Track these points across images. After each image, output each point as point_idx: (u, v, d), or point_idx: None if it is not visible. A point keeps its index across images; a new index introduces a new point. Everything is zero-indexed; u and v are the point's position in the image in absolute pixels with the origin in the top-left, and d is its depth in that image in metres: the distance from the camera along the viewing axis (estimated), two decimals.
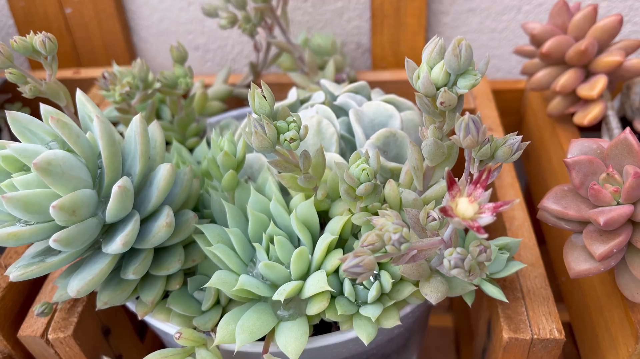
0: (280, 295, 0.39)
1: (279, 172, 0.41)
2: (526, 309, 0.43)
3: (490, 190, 0.31)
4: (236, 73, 0.78)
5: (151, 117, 0.56)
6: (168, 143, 0.58)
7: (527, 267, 0.47)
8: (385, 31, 0.73)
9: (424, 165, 0.41)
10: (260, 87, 0.37)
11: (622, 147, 0.37)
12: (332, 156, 0.45)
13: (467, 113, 0.32)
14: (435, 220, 0.35)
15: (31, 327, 0.46)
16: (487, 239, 0.44)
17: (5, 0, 0.77)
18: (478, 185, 0.31)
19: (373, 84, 0.68)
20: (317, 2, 0.74)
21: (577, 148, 0.40)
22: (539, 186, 0.67)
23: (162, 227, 0.39)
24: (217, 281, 0.40)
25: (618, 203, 0.37)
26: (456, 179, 0.32)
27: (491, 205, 0.30)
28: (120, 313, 0.54)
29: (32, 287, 0.52)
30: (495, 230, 0.53)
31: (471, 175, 0.36)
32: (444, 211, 0.30)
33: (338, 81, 0.67)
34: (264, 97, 0.36)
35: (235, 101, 0.70)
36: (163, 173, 0.40)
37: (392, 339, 0.47)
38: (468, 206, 0.30)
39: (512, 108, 0.74)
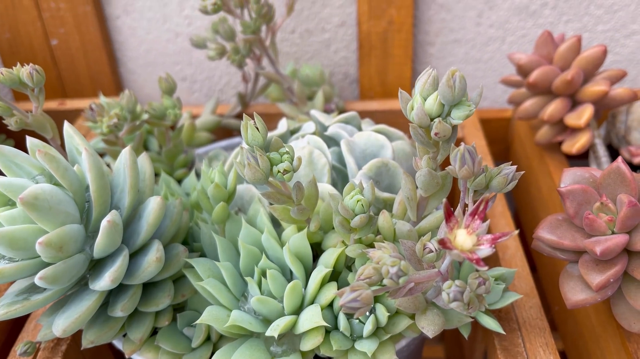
0: (273, 330, 0.38)
1: (271, 204, 0.40)
2: (523, 341, 0.43)
3: (488, 221, 0.30)
4: (224, 104, 0.78)
5: (139, 149, 0.55)
6: (156, 174, 0.58)
7: (522, 297, 0.46)
8: (372, 62, 0.74)
9: (418, 196, 0.40)
10: (252, 118, 0.37)
11: (615, 176, 0.37)
12: (324, 187, 0.45)
13: (463, 144, 0.32)
14: (432, 251, 0.35)
15: None
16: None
17: None
18: (476, 216, 0.31)
19: (361, 114, 0.68)
20: (305, 33, 0.75)
21: (570, 178, 0.40)
22: (528, 214, 0.67)
23: (151, 262, 0.38)
24: (209, 317, 0.38)
25: (613, 232, 0.37)
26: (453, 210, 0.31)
27: (489, 236, 0.30)
28: (105, 351, 0.52)
29: (14, 326, 0.50)
30: (488, 259, 0.53)
31: (466, 205, 0.36)
32: (442, 243, 0.30)
33: (327, 111, 0.67)
34: (257, 128, 0.36)
35: (223, 132, 0.70)
36: (153, 206, 0.39)
37: None
38: (466, 238, 0.30)
39: (498, 136, 0.75)
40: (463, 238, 0.30)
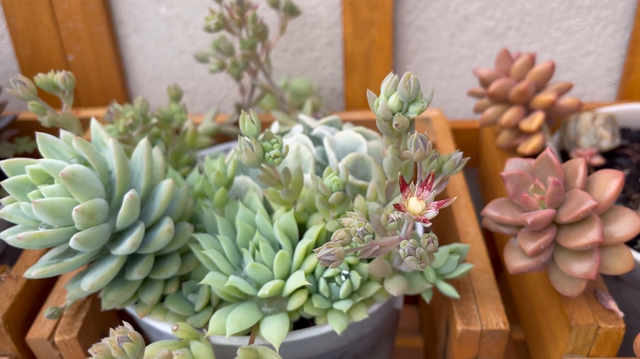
0: (264, 290, 0.45)
1: (264, 187, 0.48)
2: (477, 306, 0.51)
3: (434, 191, 0.38)
4: (223, 114, 0.86)
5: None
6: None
7: (478, 271, 0.54)
8: (356, 77, 0.83)
9: (386, 181, 0.48)
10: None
11: (545, 163, 0.45)
12: (309, 177, 0.53)
13: (416, 132, 0.40)
14: (394, 221, 0.43)
15: (39, 331, 0.51)
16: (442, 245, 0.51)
17: (11, 48, 0.85)
18: (425, 187, 0.39)
19: (345, 121, 0.76)
20: (296, 51, 0.84)
21: (512, 165, 0.48)
22: None
23: (163, 232, 0.45)
24: (210, 279, 0.46)
25: (544, 208, 0.45)
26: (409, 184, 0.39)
27: (435, 202, 0.38)
28: (116, 321, 0.59)
29: (38, 298, 0.57)
30: (449, 238, 0.61)
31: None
32: (397, 207, 0.37)
33: (315, 117, 0.75)
34: (252, 121, 0.44)
35: (222, 137, 0.78)
36: (165, 187, 0.47)
37: (363, 339, 0.54)
38: (417, 203, 0.38)
39: (470, 145, 0.83)
40: (414, 203, 0.38)
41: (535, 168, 0.46)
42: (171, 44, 0.84)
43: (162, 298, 0.51)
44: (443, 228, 0.66)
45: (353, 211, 0.50)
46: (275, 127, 0.60)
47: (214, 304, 0.50)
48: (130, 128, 0.58)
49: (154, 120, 0.63)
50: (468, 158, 0.44)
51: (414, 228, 0.59)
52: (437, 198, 0.40)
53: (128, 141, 0.61)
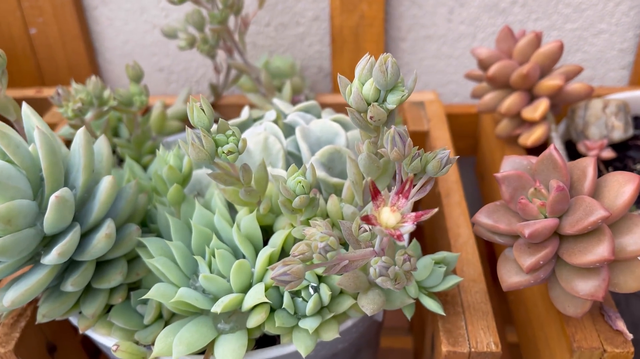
0: (217, 306, 0.39)
1: (221, 186, 0.42)
2: (465, 323, 0.44)
3: (412, 200, 0.32)
4: (198, 94, 0.79)
5: (106, 134, 0.56)
6: (123, 160, 0.59)
7: (469, 282, 0.48)
8: (345, 56, 0.75)
9: (363, 181, 0.42)
10: (220, 109, 0.38)
11: (548, 163, 0.38)
12: (279, 172, 0.46)
13: (393, 126, 0.34)
14: (367, 231, 0.36)
15: None
16: (430, 253, 0.45)
17: None
18: (401, 195, 0.32)
19: (333, 107, 0.69)
20: (280, 26, 0.76)
21: (509, 164, 0.41)
22: None
23: (101, 238, 0.39)
24: (156, 293, 0.40)
25: (545, 216, 0.38)
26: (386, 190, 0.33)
27: (413, 214, 0.31)
28: (67, 329, 0.53)
29: None
30: (441, 246, 0.55)
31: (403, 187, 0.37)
32: (366, 219, 0.31)
33: (296, 103, 0.68)
34: (202, 110, 0.37)
35: None
36: (105, 185, 0.40)
37: (337, 355, 0.48)
38: (390, 215, 0.31)
39: (468, 132, 0.76)
40: (387, 215, 0.31)
41: (536, 169, 0.39)
42: (143, 17, 0.77)
43: (110, 308, 0.45)
44: (433, 227, 0.60)
45: (326, 215, 0.44)
46: (245, 113, 0.53)
47: (165, 317, 0.44)
48: (80, 113, 0.52)
49: (112, 104, 0.56)
50: (456, 157, 0.37)
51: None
52: (422, 201, 0.33)
53: (80, 127, 0.54)
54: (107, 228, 0.39)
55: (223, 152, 0.37)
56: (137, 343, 0.43)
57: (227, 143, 0.38)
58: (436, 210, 0.31)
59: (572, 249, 0.37)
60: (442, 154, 0.37)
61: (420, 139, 0.67)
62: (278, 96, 0.64)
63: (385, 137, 0.34)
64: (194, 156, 0.37)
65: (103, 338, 0.43)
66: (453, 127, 0.74)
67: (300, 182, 0.37)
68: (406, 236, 0.50)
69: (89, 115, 0.54)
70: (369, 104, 0.35)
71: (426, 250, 0.69)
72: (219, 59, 0.70)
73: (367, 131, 0.38)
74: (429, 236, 0.65)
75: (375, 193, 0.32)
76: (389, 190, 0.33)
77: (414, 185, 0.39)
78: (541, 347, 0.49)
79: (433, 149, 0.64)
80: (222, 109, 0.72)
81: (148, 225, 0.48)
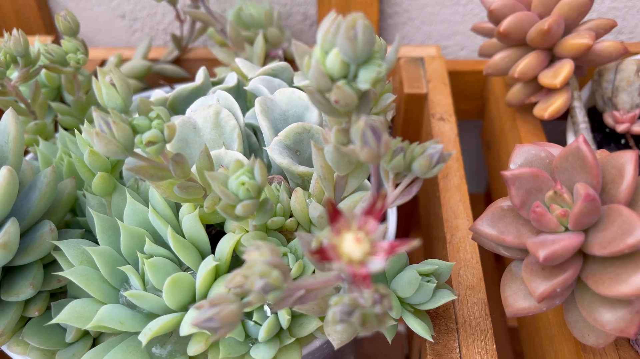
0: (144, 335, 0.31)
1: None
2: (459, 345, 0.36)
3: (386, 224, 0.23)
4: (163, 47, 0.69)
5: (36, 99, 0.47)
6: (67, 129, 0.50)
7: (466, 290, 0.39)
8: (333, 0, 0.64)
9: (334, 174, 0.33)
10: (183, 65, 0.28)
11: (574, 160, 0.29)
12: (234, 155, 0.37)
13: (364, 117, 0.24)
14: None
15: None
16: (427, 247, 0.36)
17: None
18: (371, 215, 0.23)
19: None
20: None
21: (522, 157, 0.32)
22: (500, 181, 0.59)
23: None
24: (69, 315, 0.32)
25: (566, 229, 0.29)
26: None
27: (386, 243, 0.23)
28: None
29: None
30: (437, 238, 0.46)
31: (379, 195, 0.28)
32: (320, 252, 0.22)
33: (273, 58, 0.58)
34: (114, 86, 0.28)
35: (156, 80, 0.61)
36: (0, 181, 0.31)
37: None
38: (355, 245, 0.23)
39: (474, 92, 0.66)
40: (351, 245, 0.23)
41: (557, 165, 0.30)
42: None
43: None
44: (428, 214, 0.51)
45: (290, 214, 0.35)
46: (200, 76, 0.44)
47: (93, 334, 0.36)
48: None
49: (41, 63, 0.46)
50: (452, 152, 0.28)
51: (383, 218, 0.44)
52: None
53: (3, 91, 0.45)
54: (4, 235, 0.31)
55: (142, 143, 0.28)
56: None
57: (150, 129, 0.28)
58: (417, 241, 0.22)
59: (600, 275, 0.28)
60: (433, 150, 0.27)
61: (418, 103, 0.58)
62: (248, 51, 0.54)
63: (353, 132, 0.25)
64: (101, 149, 0.27)
65: (20, 358, 0.36)
66: (458, 86, 0.64)
67: (244, 184, 0.28)
68: (393, 224, 0.41)
69: (14, 77, 0.45)
70: (333, 81, 0.26)
71: (420, 235, 0.60)
72: (181, 5, 0.60)
73: (335, 116, 0.28)
74: (424, 219, 0.56)
75: (334, 214, 0.23)
76: (336, 204, 0.24)
77: (397, 184, 0.30)
78: None
79: (432, 116, 0.54)
80: (187, 64, 0.62)
81: (79, 218, 0.40)
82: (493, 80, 0.60)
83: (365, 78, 0.25)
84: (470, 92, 0.66)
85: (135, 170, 0.30)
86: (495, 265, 0.69)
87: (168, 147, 0.37)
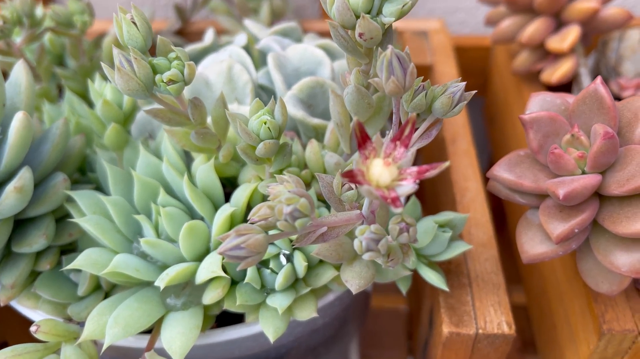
0: (161, 280, 0.31)
1: (167, 127, 0.32)
2: (472, 299, 0.36)
3: (413, 150, 0.23)
4: (163, 18, 0.68)
5: (41, 63, 0.47)
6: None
7: (478, 247, 0.40)
8: None
9: (351, 122, 0.33)
10: (189, 36, 0.28)
11: (592, 102, 0.29)
12: (246, 110, 0.37)
13: (390, 46, 0.24)
14: (353, 188, 0.28)
15: None
16: (432, 214, 0.36)
17: None
18: (399, 143, 0.23)
19: (324, 35, 0.59)
20: None
21: (538, 104, 0.32)
22: (503, 155, 0.60)
23: (9, 193, 0.30)
24: (86, 261, 0.32)
25: (583, 172, 0.30)
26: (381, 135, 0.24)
27: (415, 169, 0.23)
28: (18, 323, 0.46)
29: None
30: (444, 202, 0.46)
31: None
32: (350, 176, 0.22)
33: None
34: (135, 24, 0.27)
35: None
36: (15, 124, 0.31)
37: (318, 331, 0.40)
38: (384, 170, 0.23)
39: (477, 68, 0.66)
40: (379, 170, 0.23)
41: (574, 110, 0.30)
42: None
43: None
44: (434, 180, 0.51)
45: (304, 165, 0.35)
46: (209, 37, 0.43)
47: (105, 287, 0.36)
48: (3, 34, 0.42)
49: (47, 24, 0.46)
50: (474, 92, 0.28)
51: None
52: (423, 150, 0.25)
53: (8, 52, 0.44)
54: (19, 180, 0.30)
55: (162, 82, 0.28)
56: (70, 319, 0.35)
57: (169, 69, 0.28)
58: (447, 164, 0.22)
59: (617, 214, 0.29)
60: (454, 88, 0.27)
61: (423, 74, 0.58)
62: (254, 19, 0.53)
63: (379, 63, 0.25)
64: (122, 86, 0.27)
65: (30, 311, 0.35)
66: (460, 63, 0.64)
67: (265, 123, 0.28)
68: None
69: (19, 39, 0.44)
70: (357, 17, 0.26)
71: (426, 206, 0.60)
72: None
73: (356, 56, 0.28)
74: (429, 190, 0.56)
75: (363, 139, 0.23)
76: (383, 135, 0.24)
77: (416, 129, 0.30)
78: (558, 323, 0.41)
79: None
80: (190, 37, 0.61)
81: (87, 173, 0.39)
82: (496, 54, 0.61)
83: (390, 12, 0.25)
84: (473, 68, 0.66)
85: (154, 113, 0.30)
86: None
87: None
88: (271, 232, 0.28)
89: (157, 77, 0.28)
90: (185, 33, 0.62)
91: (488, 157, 0.78)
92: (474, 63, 0.66)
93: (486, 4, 0.53)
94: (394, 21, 0.25)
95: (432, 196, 0.53)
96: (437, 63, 0.57)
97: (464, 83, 0.27)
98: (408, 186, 0.22)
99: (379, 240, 0.24)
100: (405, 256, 0.25)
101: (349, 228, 0.28)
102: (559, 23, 0.48)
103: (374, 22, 0.25)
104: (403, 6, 0.25)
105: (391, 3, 0.25)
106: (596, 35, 0.53)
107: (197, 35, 0.62)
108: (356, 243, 0.24)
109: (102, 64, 0.28)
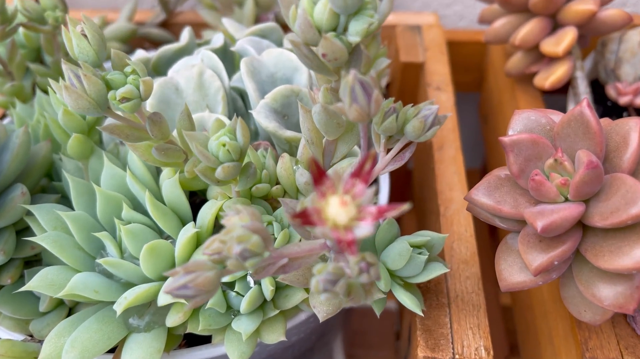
0: (119, 305, 0.29)
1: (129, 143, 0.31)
2: (450, 320, 0.35)
3: (373, 188, 0.21)
4: (152, 9, 0.66)
5: (13, 59, 0.45)
6: (45, 92, 0.48)
7: (459, 264, 0.38)
8: None
9: (323, 139, 0.31)
10: (175, 29, 0.26)
11: (577, 126, 0.27)
12: (217, 118, 0.35)
13: (353, 71, 0.22)
14: None
15: None
16: (419, 218, 0.35)
17: None
18: (359, 178, 0.21)
19: None
20: None
21: (522, 123, 0.30)
22: (496, 156, 0.58)
23: None
24: (41, 282, 0.30)
25: (566, 199, 0.28)
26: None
27: (374, 208, 0.21)
28: None
29: None
30: (430, 211, 0.45)
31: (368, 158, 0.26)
32: (303, 216, 0.20)
33: (263, 22, 0.56)
34: (86, 37, 0.26)
35: (142, 43, 0.59)
36: None
37: (293, 346, 0.39)
38: (340, 209, 0.21)
39: (473, 64, 0.64)
40: (336, 208, 0.21)
41: (559, 132, 0.28)
42: None
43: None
44: (422, 187, 0.49)
45: (276, 181, 0.34)
46: (185, 36, 0.41)
47: (69, 303, 0.34)
48: None
49: (18, 21, 0.44)
50: (448, 114, 0.26)
51: (376, 193, 0.43)
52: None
53: None
54: None
55: (116, 99, 0.26)
56: (31, 336, 0.34)
57: (125, 85, 0.26)
58: (406, 206, 0.20)
59: (600, 247, 0.27)
60: (427, 111, 0.26)
61: (414, 72, 0.56)
62: (238, 13, 0.51)
63: (342, 88, 0.23)
64: (71, 104, 0.26)
65: None
66: (455, 57, 0.62)
67: (224, 145, 0.26)
68: (385, 195, 0.40)
69: None
70: (321, 34, 0.24)
71: (414, 209, 0.59)
72: None
73: (324, 73, 0.26)
74: (417, 192, 0.54)
75: (319, 175, 0.21)
76: (321, 165, 0.22)
77: (389, 149, 0.29)
78: (542, 341, 0.40)
79: (428, 85, 0.52)
80: (174, 29, 0.59)
81: (54, 182, 0.38)
82: (493, 51, 0.58)
83: (356, 30, 0.23)
84: (469, 63, 0.64)
85: (110, 129, 0.28)
86: (489, 241, 0.68)
87: (148, 108, 0.35)
88: None
89: (111, 93, 0.26)
90: (170, 24, 0.60)
91: (483, 155, 0.76)
92: (471, 58, 0.64)
93: (481, 0, 0.50)
94: (359, 41, 0.23)
95: (419, 201, 0.51)
96: (430, 60, 0.55)
97: (437, 106, 0.25)
98: (366, 228, 0.20)
99: (337, 280, 0.22)
100: (367, 294, 0.24)
101: (313, 258, 0.26)
102: (554, 24, 0.46)
103: (338, 41, 0.23)
104: (369, 25, 0.23)
105: (357, 20, 0.23)
106: (595, 37, 0.50)
107: (182, 26, 0.60)
108: (313, 282, 0.23)
109: (50, 80, 0.26)
